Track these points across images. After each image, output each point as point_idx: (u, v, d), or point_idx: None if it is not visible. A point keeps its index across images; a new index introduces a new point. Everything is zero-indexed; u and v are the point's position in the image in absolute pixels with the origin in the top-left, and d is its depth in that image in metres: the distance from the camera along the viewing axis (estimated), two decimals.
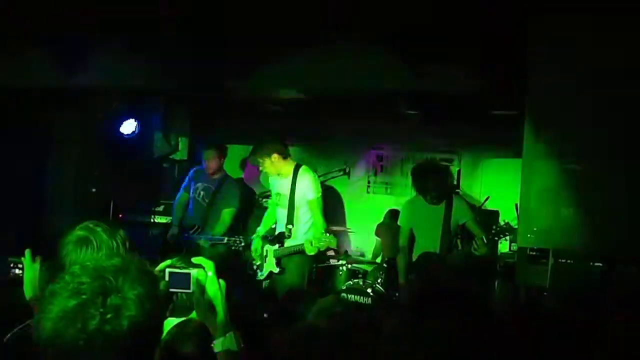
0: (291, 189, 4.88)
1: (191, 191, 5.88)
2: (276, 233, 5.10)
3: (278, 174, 4.98)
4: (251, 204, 7.11)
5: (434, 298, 1.44)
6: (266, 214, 5.39)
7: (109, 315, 1.19)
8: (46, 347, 1.20)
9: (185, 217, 5.91)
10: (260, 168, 5.08)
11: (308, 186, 4.85)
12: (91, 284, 1.21)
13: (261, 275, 5.10)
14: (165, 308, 1.68)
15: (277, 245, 4.98)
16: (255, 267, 5.16)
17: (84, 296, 1.20)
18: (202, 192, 5.82)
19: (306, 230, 4.90)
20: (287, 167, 4.94)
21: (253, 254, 5.13)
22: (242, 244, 5.25)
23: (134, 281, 1.24)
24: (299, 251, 4.79)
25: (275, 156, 4.88)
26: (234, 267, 5.57)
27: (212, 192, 5.77)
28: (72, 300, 1.20)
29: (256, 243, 5.10)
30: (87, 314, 1.19)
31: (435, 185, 4.77)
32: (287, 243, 4.92)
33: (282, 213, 5.00)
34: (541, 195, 4.10)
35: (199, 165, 6.00)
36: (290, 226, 4.89)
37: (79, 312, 1.19)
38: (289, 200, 4.89)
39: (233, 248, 5.32)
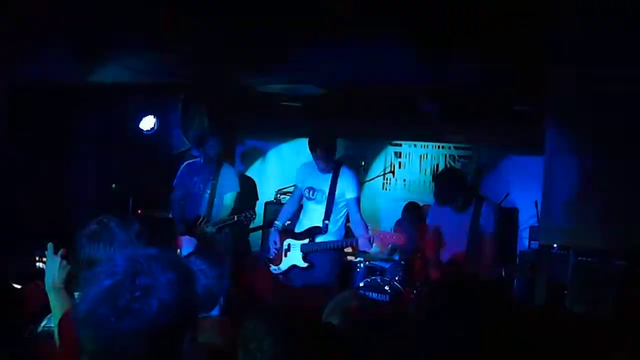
0: (331, 185, 4.74)
1: (185, 187, 5.68)
2: (305, 228, 4.88)
3: (322, 169, 4.78)
4: (253, 195, 7.14)
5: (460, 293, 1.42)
6: (285, 207, 5.20)
7: (137, 294, 1.26)
8: (80, 328, 1.27)
9: (185, 212, 5.69)
10: (322, 160, 4.73)
11: (351, 184, 4.75)
12: (124, 266, 1.30)
13: (277, 269, 4.91)
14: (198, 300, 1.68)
15: (306, 240, 4.81)
16: (268, 260, 4.99)
17: (117, 277, 1.28)
18: (200, 185, 5.65)
19: (339, 227, 4.82)
20: (332, 161, 4.78)
21: (271, 246, 4.95)
22: (254, 216, 5.27)
23: (166, 268, 1.31)
24: (339, 248, 4.80)
25: (335, 147, 4.80)
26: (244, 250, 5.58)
27: (210, 181, 5.61)
28: (106, 280, 1.28)
29: (275, 235, 4.93)
30: (118, 293, 1.26)
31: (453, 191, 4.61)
32: (321, 238, 4.78)
33: (317, 208, 4.82)
34: (563, 192, 4.04)
35: (190, 160, 5.86)
36: (327, 222, 4.75)
37: (111, 292, 1.26)
38: (329, 195, 4.75)
39: (245, 223, 5.36)
